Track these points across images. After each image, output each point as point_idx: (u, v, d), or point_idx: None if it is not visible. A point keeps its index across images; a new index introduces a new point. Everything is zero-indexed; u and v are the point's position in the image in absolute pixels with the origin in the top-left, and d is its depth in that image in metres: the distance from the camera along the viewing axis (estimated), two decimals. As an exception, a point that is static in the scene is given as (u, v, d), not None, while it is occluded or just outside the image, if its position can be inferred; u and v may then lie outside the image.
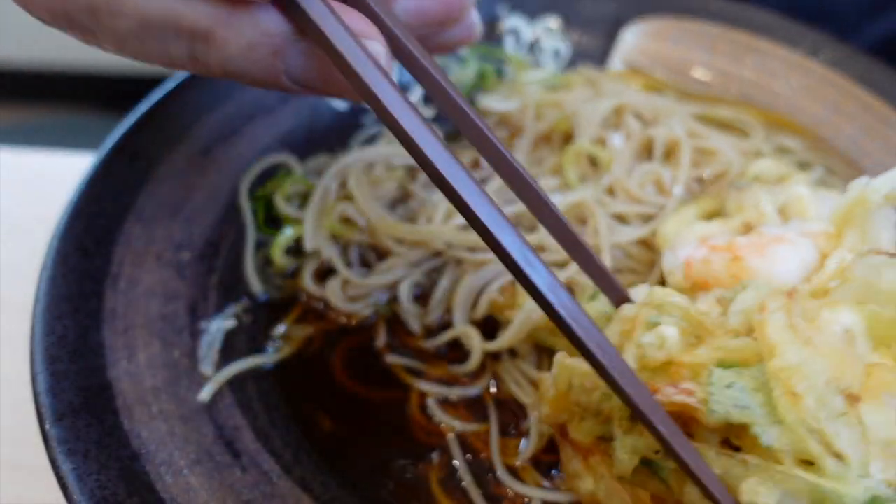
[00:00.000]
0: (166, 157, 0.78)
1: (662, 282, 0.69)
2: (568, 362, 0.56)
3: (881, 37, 1.11)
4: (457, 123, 0.54)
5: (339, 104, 0.94)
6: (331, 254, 0.79)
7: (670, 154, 0.84)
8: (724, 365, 0.48)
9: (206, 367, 0.69)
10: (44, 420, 0.56)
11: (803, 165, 0.87)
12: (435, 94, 0.53)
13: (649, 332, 0.52)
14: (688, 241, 0.67)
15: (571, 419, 0.57)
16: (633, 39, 1.02)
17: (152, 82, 0.81)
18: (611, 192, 0.80)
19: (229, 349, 0.71)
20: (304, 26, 0.45)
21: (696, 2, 1.01)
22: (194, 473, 0.60)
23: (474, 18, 0.62)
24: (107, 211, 0.71)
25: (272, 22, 0.45)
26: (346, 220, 0.81)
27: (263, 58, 0.46)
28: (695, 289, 0.64)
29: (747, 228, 0.67)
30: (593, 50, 1.03)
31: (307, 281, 0.78)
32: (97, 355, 0.63)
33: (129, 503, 0.55)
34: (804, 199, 0.67)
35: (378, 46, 0.47)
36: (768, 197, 0.68)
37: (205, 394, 0.66)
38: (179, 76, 0.82)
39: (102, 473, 0.55)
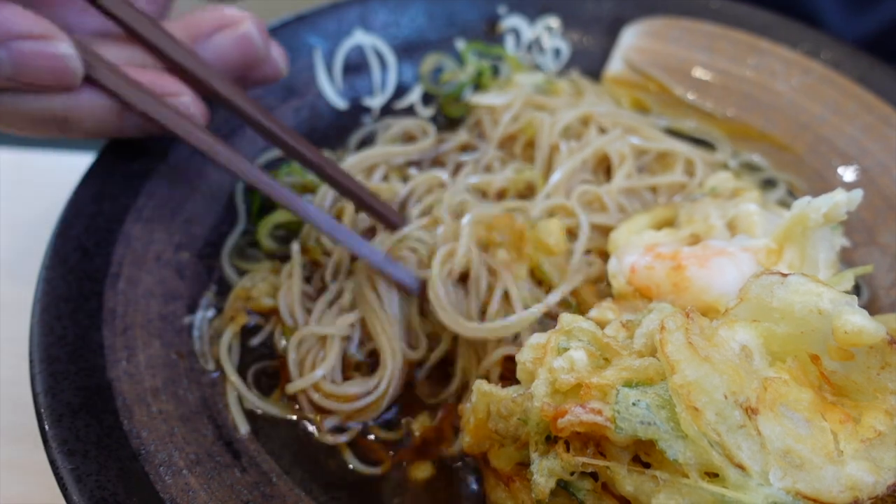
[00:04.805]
0: (166, 157, 0.77)
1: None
2: (486, 389, 0.57)
3: (864, 35, 1.10)
4: (274, 142, 0.72)
5: (339, 103, 0.94)
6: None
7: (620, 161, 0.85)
8: (629, 384, 0.50)
9: (208, 363, 0.69)
10: (43, 420, 0.56)
11: (769, 183, 0.89)
12: (249, 119, 0.70)
13: (560, 356, 0.53)
14: (635, 247, 0.68)
15: (492, 447, 0.59)
16: (633, 39, 1.02)
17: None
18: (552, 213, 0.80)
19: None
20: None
21: (697, 2, 1.01)
22: (194, 474, 0.60)
23: (276, 57, 0.71)
24: (106, 211, 0.71)
25: (101, 99, 0.63)
26: (319, 242, 0.80)
27: (112, 120, 0.64)
28: (636, 295, 0.65)
29: (695, 240, 0.68)
30: (593, 49, 1.03)
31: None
32: (96, 355, 0.63)
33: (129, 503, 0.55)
34: (753, 215, 0.68)
35: (186, 99, 0.66)
36: (718, 211, 0.69)
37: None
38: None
39: (101, 474, 0.55)
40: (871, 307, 0.76)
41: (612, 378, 0.50)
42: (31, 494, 0.69)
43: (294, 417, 0.69)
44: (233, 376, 0.69)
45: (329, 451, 0.67)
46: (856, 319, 0.47)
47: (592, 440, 0.50)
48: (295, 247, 0.78)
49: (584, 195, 0.81)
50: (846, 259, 0.79)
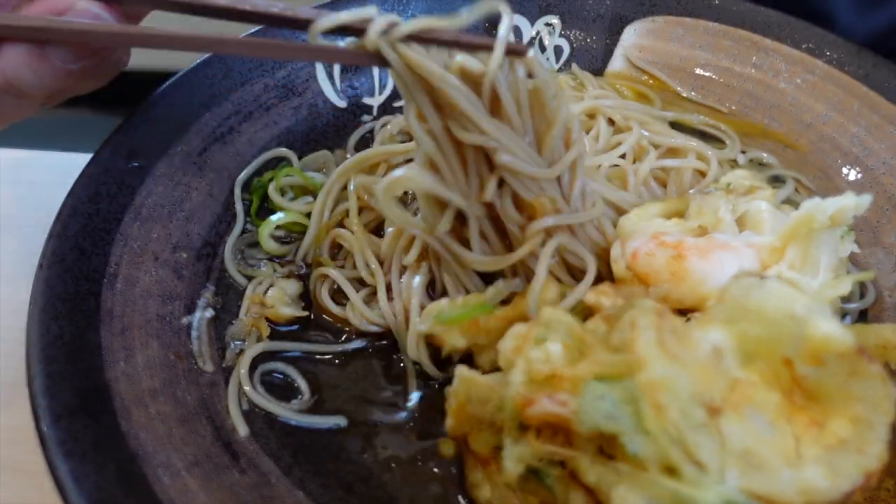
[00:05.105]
0: (163, 156, 0.77)
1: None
2: (467, 374, 0.59)
3: (877, 31, 1.10)
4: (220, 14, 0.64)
5: (339, 102, 0.94)
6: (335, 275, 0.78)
7: (636, 160, 0.85)
8: (600, 378, 0.51)
9: (207, 365, 0.69)
10: (41, 421, 0.55)
11: (777, 180, 0.88)
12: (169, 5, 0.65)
13: (537, 347, 0.55)
14: (642, 234, 0.68)
15: (472, 430, 0.60)
16: (635, 38, 1.01)
17: (150, 82, 0.80)
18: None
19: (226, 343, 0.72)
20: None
21: (699, 0, 1.00)
22: (192, 475, 0.59)
23: None
24: (104, 211, 0.71)
25: (18, 49, 0.60)
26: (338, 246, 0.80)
27: (42, 65, 0.61)
28: (635, 281, 0.65)
29: (703, 231, 0.68)
30: (594, 48, 1.03)
31: (325, 299, 0.77)
32: (94, 356, 0.62)
33: (127, 505, 0.54)
34: (763, 212, 0.68)
35: (82, 5, 0.62)
36: (729, 205, 0.69)
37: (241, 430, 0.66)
38: (178, 74, 0.82)
39: (100, 475, 0.54)
40: (876, 309, 0.75)
41: (584, 371, 0.51)
42: (28, 496, 0.68)
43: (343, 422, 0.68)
44: (249, 386, 0.69)
45: (328, 452, 0.66)
46: (825, 327, 0.48)
47: (561, 430, 0.52)
48: (335, 273, 0.76)
49: (612, 172, 0.81)
50: (850, 259, 0.79)
